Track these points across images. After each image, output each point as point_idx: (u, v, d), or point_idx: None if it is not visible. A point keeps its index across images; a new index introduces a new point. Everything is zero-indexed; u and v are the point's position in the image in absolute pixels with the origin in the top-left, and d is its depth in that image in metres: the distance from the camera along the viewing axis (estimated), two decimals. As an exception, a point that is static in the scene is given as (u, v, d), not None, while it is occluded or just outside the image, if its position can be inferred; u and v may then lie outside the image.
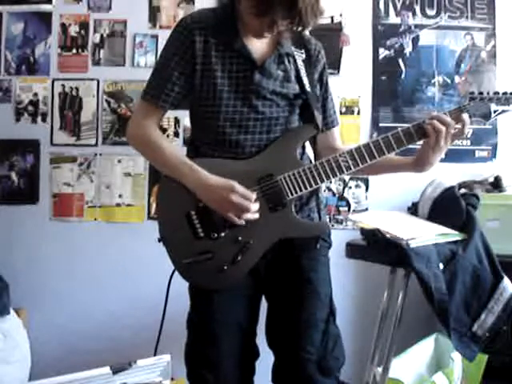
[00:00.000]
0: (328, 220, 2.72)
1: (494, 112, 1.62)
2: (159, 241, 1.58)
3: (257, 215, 1.52)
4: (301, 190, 1.55)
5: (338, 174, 1.56)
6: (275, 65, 1.57)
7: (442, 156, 1.58)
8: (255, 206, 1.51)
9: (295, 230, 1.57)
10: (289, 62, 1.60)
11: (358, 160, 1.56)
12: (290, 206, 1.56)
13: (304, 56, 1.63)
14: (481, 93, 1.63)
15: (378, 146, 1.56)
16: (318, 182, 1.56)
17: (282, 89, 1.57)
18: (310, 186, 1.56)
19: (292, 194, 1.55)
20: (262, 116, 1.56)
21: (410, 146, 1.59)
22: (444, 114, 1.56)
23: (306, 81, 1.61)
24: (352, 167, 1.56)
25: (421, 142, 1.59)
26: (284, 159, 1.57)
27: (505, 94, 1.62)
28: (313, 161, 1.67)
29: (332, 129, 1.75)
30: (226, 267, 1.53)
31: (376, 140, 1.57)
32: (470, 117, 1.59)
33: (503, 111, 1.63)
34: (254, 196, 1.50)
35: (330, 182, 2.76)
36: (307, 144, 1.70)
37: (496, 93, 1.63)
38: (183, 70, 1.55)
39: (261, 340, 1.65)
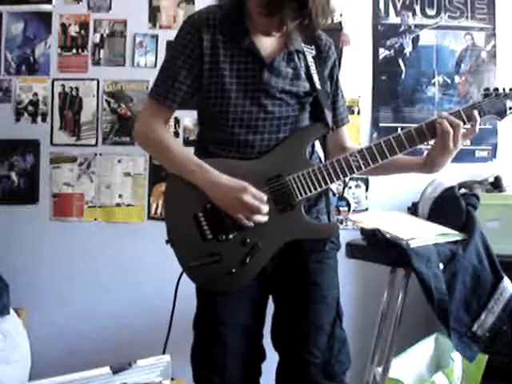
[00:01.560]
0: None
1: (510, 109, 1.57)
2: (167, 242, 1.56)
3: (266, 218, 1.49)
4: (310, 191, 1.53)
5: (348, 174, 1.54)
6: (284, 62, 1.54)
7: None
8: (266, 208, 1.49)
9: (304, 232, 1.55)
10: (299, 59, 1.57)
11: (369, 160, 1.53)
12: (299, 208, 1.53)
13: (314, 52, 1.60)
14: (496, 89, 1.58)
15: (390, 145, 1.53)
16: (328, 182, 1.54)
17: (292, 87, 1.55)
18: (320, 186, 1.53)
19: (301, 195, 1.52)
20: (271, 115, 1.54)
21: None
22: (452, 115, 1.52)
23: (316, 78, 1.57)
24: (363, 167, 1.53)
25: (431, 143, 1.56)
26: (293, 159, 1.55)
27: None
28: (322, 160, 1.65)
29: (342, 127, 1.73)
30: (234, 270, 1.51)
31: (387, 139, 1.54)
32: (485, 114, 1.54)
33: None
34: (265, 198, 1.49)
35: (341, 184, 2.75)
36: (317, 143, 1.67)
37: None
38: (191, 68, 1.53)
39: (266, 340, 1.65)
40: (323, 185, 1.53)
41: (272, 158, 1.54)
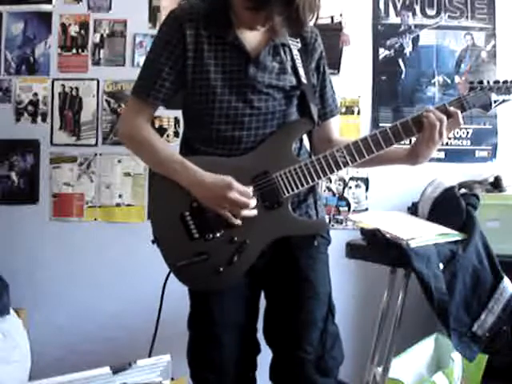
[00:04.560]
0: (328, 220, 2.72)
1: (495, 102, 1.58)
2: (153, 242, 1.55)
3: (254, 211, 1.48)
4: (297, 188, 1.52)
5: (335, 169, 1.53)
6: (270, 56, 1.52)
7: (436, 154, 1.57)
8: (253, 202, 1.47)
9: (292, 229, 1.54)
10: (284, 52, 1.55)
11: (356, 155, 1.52)
12: (286, 204, 1.52)
13: (300, 45, 1.58)
14: (481, 82, 1.58)
15: (376, 140, 1.52)
16: (315, 178, 1.52)
17: (278, 81, 1.53)
18: (307, 182, 1.52)
19: (288, 192, 1.51)
20: (257, 111, 1.51)
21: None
22: (438, 109, 1.52)
23: (301, 72, 1.56)
24: (349, 162, 1.52)
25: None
26: (280, 155, 1.53)
27: (505, 82, 1.59)
28: (311, 154, 1.64)
29: (330, 119, 1.70)
30: (222, 268, 1.50)
31: (374, 134, 1.53)
32: (470, 108, 1.55)
33: (504, 101, 1.59)
34: (251, 192, 1.47)
35: (330, 180, 2.75)
36: (304, 137, 1.65)
37: (496, 82, 1.58)
38: (174, 64, 1.50)
39: (261, 336, 1.65)
40: (310, 181, 1.52)
41: (258, 155, 1.53)
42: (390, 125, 1.55)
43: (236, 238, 1.50)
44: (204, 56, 1.49)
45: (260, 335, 1.66)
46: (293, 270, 1.58)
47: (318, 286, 1.58)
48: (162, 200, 1.56)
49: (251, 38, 1.51)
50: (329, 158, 1.52)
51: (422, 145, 1.53)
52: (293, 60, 1.55)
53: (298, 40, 1.58)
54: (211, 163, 1.51)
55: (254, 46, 1.51)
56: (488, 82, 1.58)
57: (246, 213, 1.47)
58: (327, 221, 2.65)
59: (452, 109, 1.53)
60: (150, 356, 1.60)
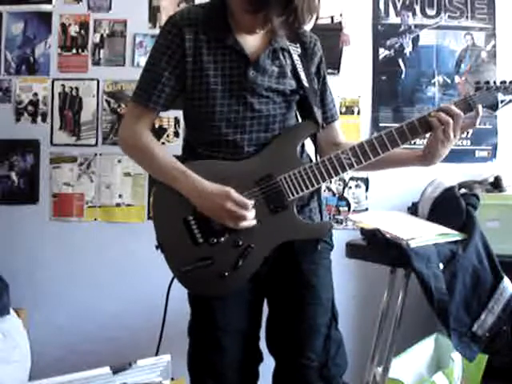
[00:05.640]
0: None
1: (501, 102, 1.57)
2: (157, 248, 1.54)
3: (253, 222, 1.47)
4: (302, 191, 1.50)
5: (340, 172, 1.51)
6: (270, 60, 1.52)
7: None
8: (251, 214, 1.45)
9: (298, 232, 1.52)
10: (284, 56, 1.55)
11: (361, 157, 1.51)
12: (291, 208, 1.51)
13: (299, 50, 1.58)
14: (487, 82, 1.58)
15: (382, 141, 1.51)
16: (320, 181, 1.51)
17: (278, 85, 1.52)
18: (312, 185, 1.51)
19: (293, 195, 1.50)
20: (258, 114, 1.51)
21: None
22: (452, 105, 1.51)
23: (303, 76, 1.55)
24: (355, 165, 1.51)
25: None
26: (284, 158, 1.52)
27: None
28: (313, 159, 1.63)
29: (333, 123, 1.70)
30: (226, 273, 1.48)
31: (379, 135, 1.52)
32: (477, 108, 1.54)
33: (510, 101, 1.58)
34: (250, 203, 1.45)
35: (330, 182, 2.75)
36: (307, 141, 1.65)
37: (503, 82, 1.58)
38: (173, 69, 1.50)
39: (263, 344, 1.64)
40: (315, 184, 1.51)
41: (262, 158, 1.52)
42: (395, 125, 1.53)
43: (241, 242, 1.49)
44: (203, 60, 1.49)
45: (262, 344, 1.64)
46: (295, 276, 1.56)
47: (321, 292, 1.56)
48: (165, 204, 1.54)
49: (250, 41, 1.51)
50: (334, 160, 1.51)
51: (437, 144, 1.51)
52: (293, 64, 1.55)
53: (298, 45, 1.58)
54: (214, 168, 1.50)
55: (253, 49, 1.51)
56: (494, 82, 1.58)
57: (244, 224, 1.45)
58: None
59: (460, 109, 1.51)
60: (157, 354, 1.60)
